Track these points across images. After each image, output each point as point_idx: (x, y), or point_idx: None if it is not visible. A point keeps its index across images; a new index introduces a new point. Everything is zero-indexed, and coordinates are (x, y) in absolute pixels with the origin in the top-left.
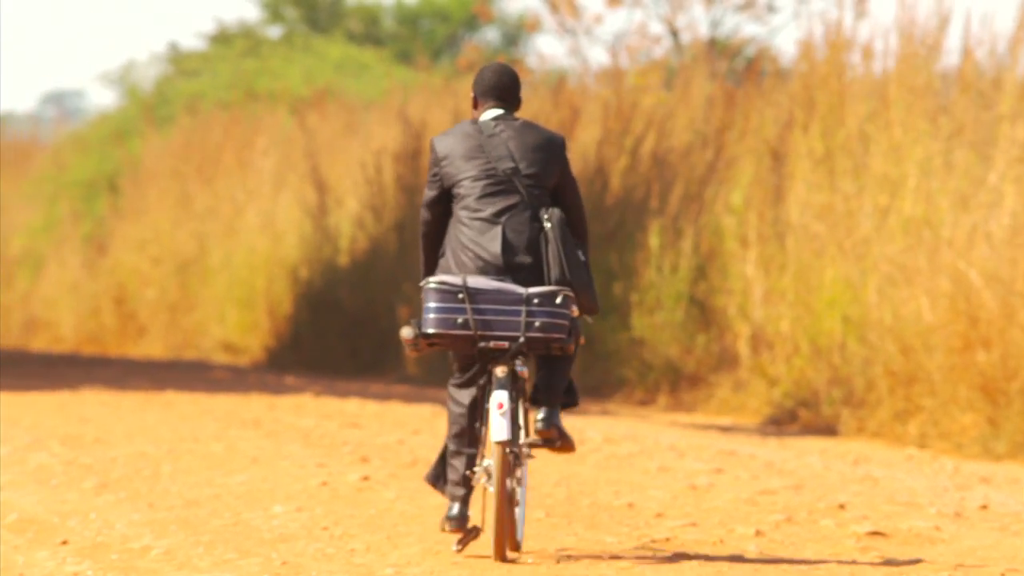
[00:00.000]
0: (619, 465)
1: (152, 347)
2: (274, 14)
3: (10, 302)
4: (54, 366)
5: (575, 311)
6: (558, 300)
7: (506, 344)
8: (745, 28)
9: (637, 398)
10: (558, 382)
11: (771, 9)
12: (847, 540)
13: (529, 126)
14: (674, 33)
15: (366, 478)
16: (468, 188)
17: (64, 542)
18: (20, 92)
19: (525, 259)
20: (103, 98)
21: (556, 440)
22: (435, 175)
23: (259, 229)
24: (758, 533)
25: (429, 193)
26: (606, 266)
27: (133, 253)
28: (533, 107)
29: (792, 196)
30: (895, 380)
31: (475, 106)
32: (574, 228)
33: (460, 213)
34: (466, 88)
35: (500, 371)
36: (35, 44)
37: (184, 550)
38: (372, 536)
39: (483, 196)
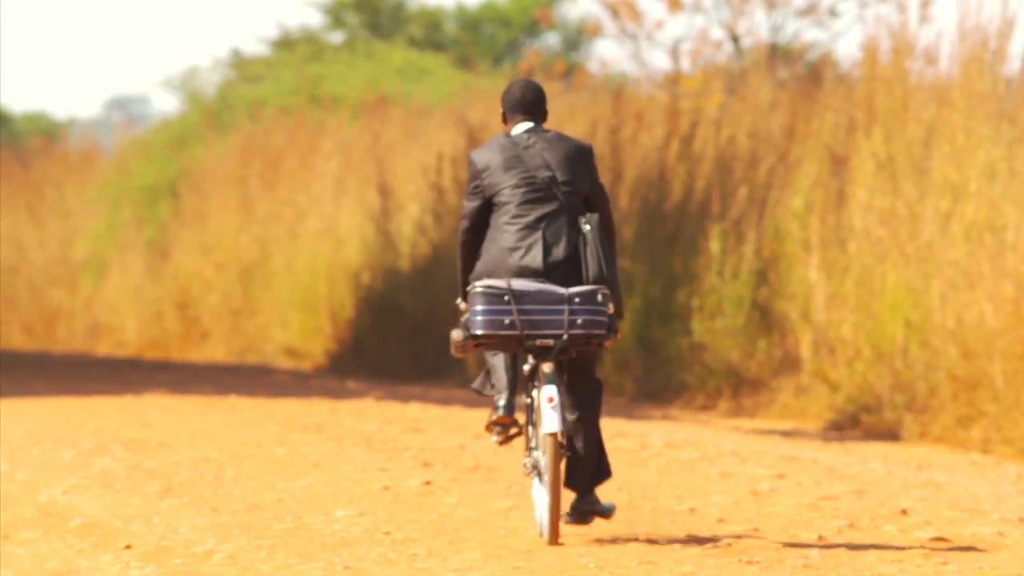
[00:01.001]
0: (680, 470)
1: (215, 352)
2: (336, 20)
3: (74, 307)
4: (118, 371)
5: (611, 308)
6: (598, 298)
7: (551, 342)
8: (806, 33)
9: (698, 403)
10: (590, 457)
11: (832, 14)
12: (910, 546)
13: (560, 137)
14: (735, 38)
15: (428, 483)
16: (509, 196)
17: (127, 546)
18: (84, 98)
19: (563, 262)
20: (166, 104)
21: (590, 522)
22: (476, 187)
23: (321, 234)
24: (820, 538)
25: (470, 204)
26: (667, 271)
27: (196, 258)
28: (593, 112)
29: (854, 201)
30: (958, 385)
31: (504, 121)
32: (605, 231)
33: (500, 220)
34: None
35: (547, 367)
36: (99, 50)
37: (247, 554)
38: (434, 541)
39: (523, 203)
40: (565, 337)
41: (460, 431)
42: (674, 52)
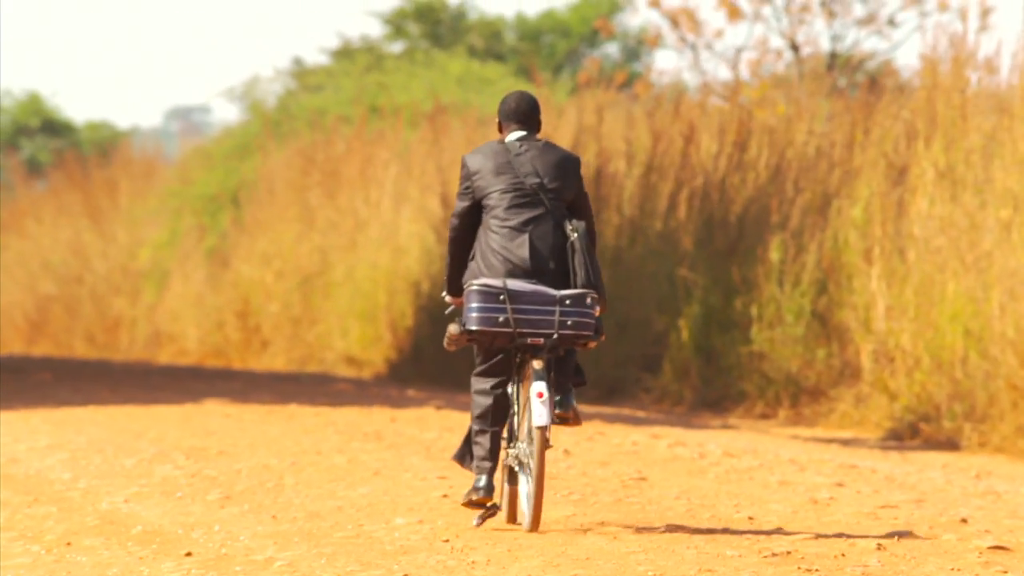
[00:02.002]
0: (739, 479)
1: (275, 360)
2: (396, 30)
3: (136, 315)
4: (179, 379)
5: (597, 311)
6: (587, 301)
7: (541, 340)
8: (866, 43)
9: (757, 412)
10: (568, 368)
11: (892, 23)
12: (969, 555)
13: (550, 146)
14: (795, 47)
15: None
16: (497, 200)
17: (188, 554)
18: (146, 107)
19: (550, 264)
20: (228, 113)
21: (571, 419)
22: (467, 188)
23: (381, 243)
24: (879, 547)
25: (461, 204)
26: (727, 280)
27: (256, 267)
28: (654, 121)
29: (914, 210)
30: (1018, 394)
31: (500, 129)
32: (589, 237)
33: (490, 222)
34: (587, 103)
35: (538, 364)
36: (161, 61)
37: (307, 562)
38: (493, 549)
39: (512, 207)
40: (555, 336)
41: None
42: (734, 61)
